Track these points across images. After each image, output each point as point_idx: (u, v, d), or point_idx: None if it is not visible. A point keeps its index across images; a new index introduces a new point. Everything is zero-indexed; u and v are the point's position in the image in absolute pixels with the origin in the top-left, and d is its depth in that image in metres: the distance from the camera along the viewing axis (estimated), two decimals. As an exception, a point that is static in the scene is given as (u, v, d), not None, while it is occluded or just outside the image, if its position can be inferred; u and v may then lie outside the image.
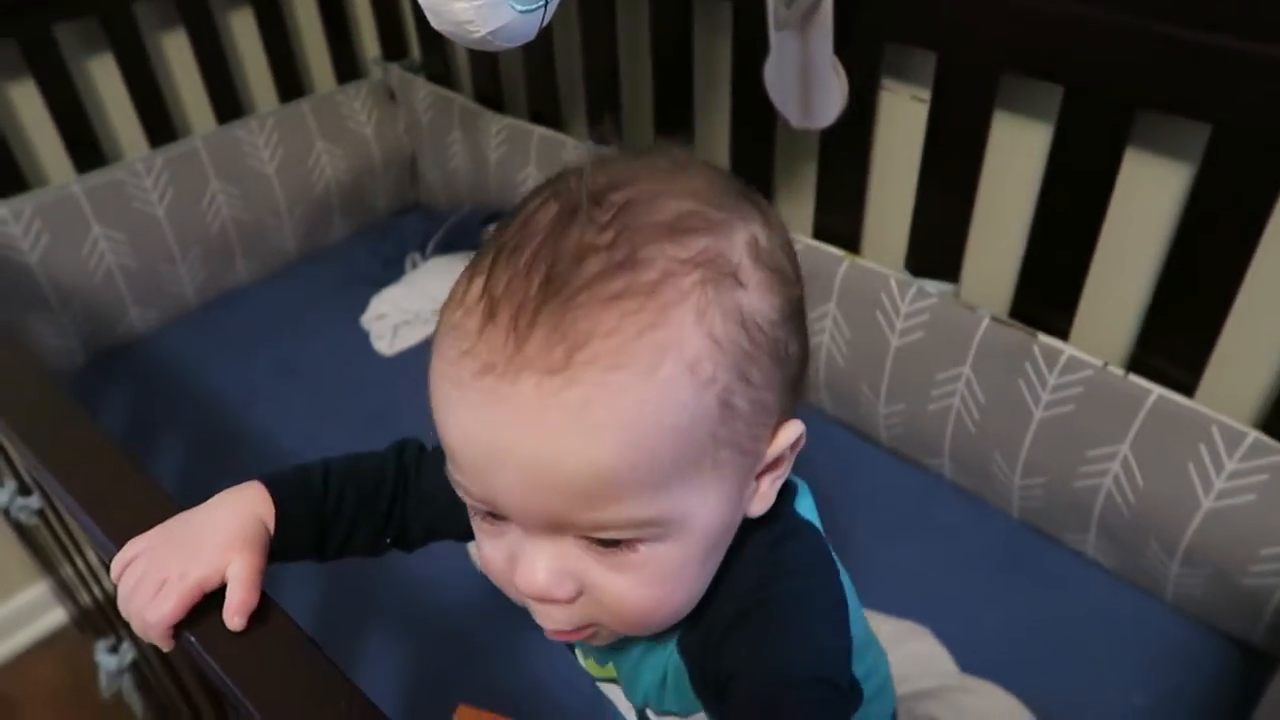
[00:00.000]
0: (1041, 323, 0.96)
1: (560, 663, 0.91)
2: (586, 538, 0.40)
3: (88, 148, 1.28)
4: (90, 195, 1.26)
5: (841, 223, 1.11)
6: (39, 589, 1.53)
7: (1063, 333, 0.96)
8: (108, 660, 1.05)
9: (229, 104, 1.40)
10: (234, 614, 0.45)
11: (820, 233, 1.12)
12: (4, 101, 1.22)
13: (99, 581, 0.88)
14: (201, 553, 0.47)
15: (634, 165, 0.43)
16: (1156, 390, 0.88)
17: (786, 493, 0.49)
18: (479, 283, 0.39)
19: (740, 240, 0.41)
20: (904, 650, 0.92)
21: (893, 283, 1.03)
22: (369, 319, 1.37)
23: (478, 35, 0.49)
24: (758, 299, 0.40)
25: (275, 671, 0.43)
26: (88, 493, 0.51)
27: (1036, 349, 0.94)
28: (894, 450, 1.13)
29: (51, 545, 1.07)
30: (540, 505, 0.39)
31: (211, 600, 0.46)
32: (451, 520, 0.52)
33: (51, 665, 1.53)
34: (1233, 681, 0.89)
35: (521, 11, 0.50)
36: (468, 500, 0.42)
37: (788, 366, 0.43)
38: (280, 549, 0.50)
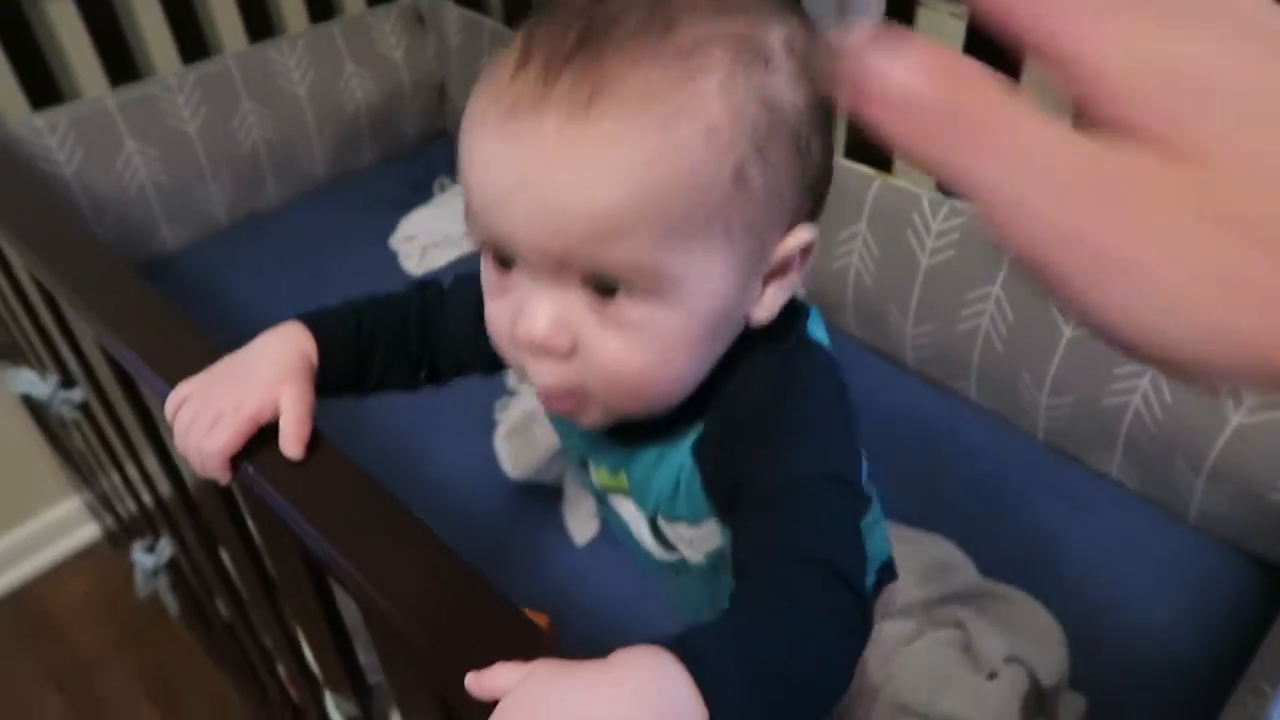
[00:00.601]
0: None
1: (602, 572, 0.92)
2: (588, 284, 0.41)
3: (122, 62, 1.29)
4: (124, 110, 1.26)
5: (873, 141, 1.10)
6: (72, 503, 1.56)
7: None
8: (144, 559, 1.08)
9: (260, 23, 1.40)
10: (291, 442, 0.47)
11: (851, 151, 1.12)
12: (40, 14, 1.23)
13: (137, 472, 0.90)
14: (253, 386, 0.48)
15: None
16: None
17: (798, 313, 0.50)
18: (519, 41, 0.41)
19: (778, 31, 0.42)
20: (926, 556, 0.93)
21: (924, 201, 1.03)
22: (397, 240, 1.38)
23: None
24: (785, 85, 0.41)
25: (335, 499, 0.44)
26: (147, 347, 0.53)
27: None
28: (920, 372, 1.14)
29: (88, 447, 1.10)
30: (549, 238, 0.40)
31: (265, 435, 0.47)
32: (477, 352, 0.53)
33: (85, 579, 1.57)
34: (1254, 599, 0.90)
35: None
36: (481, 244, 0.44)
37: (807, 162, 0.43)
38: (323, 382, 0.51)
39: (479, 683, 0.36)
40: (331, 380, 0.52)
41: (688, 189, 0.39)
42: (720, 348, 0.46)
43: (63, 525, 1.57)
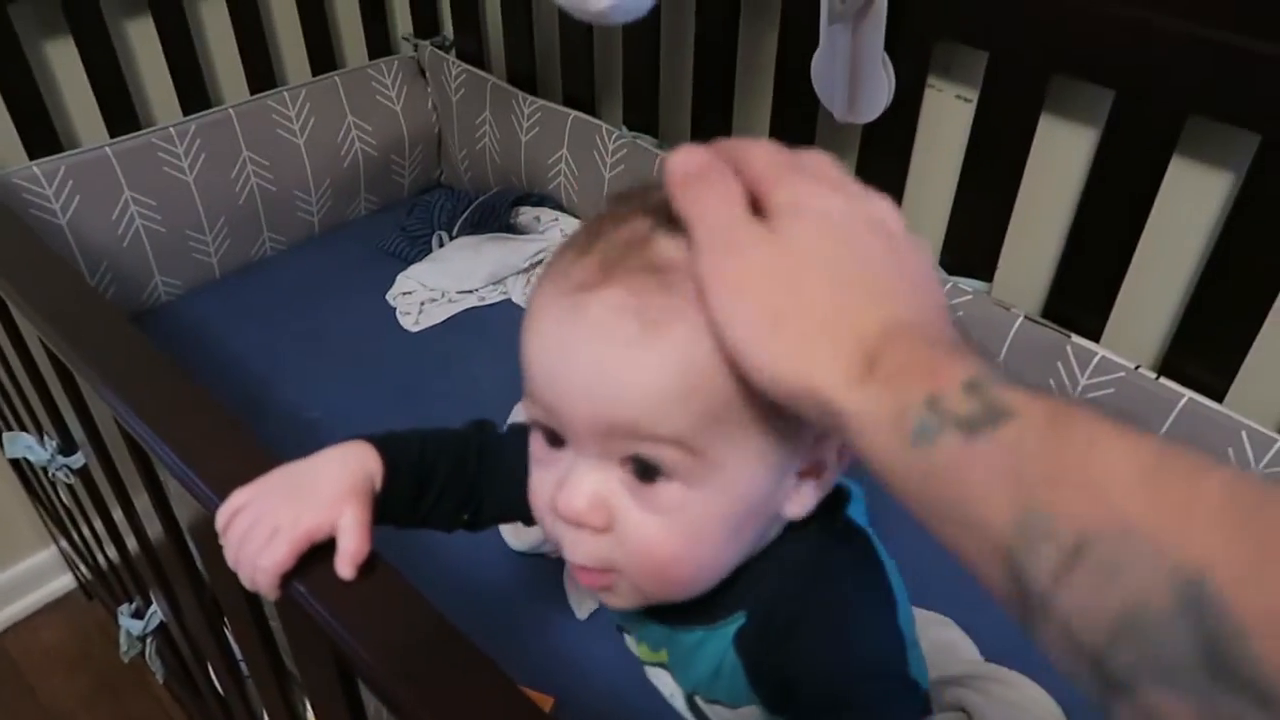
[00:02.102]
0: (1075, 324, 0.98)
1: (605, 646, 0.92)
2: (631, 463, 0.42)
3: (122, 111, 1.28)
4: (122, 158, 1.25)
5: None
6: (48, 553, 1.52)
7: (1095, 334, 0.98)
8: (132, 624, 1.05)
9: (262, 74, 1.40)
10: (347, 563, 0.46)
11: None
12: (41, 60, 1.22)
13: (130, 539, 0.88)
14: (315, 502, 0.47)
15: None
16: (1187, 394, 0.89)
17: (839, 499, 0.51)
18: (577, 244, 0.43)
19: None
20: (929, 638, 0.92)
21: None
22: (395, 295, 1.37)
23: (599, 7, 0.50)
24: None
25: (386, 621, 0.43)
26: (183, 440, 0.52)
27: (1069, 349, 0.96)
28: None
29: (79, 507, 1.07)
30: (600, 412, 0.41)
31: (315, 553, 0.46)
32: (520, 504, 0.53)
33: (56, 629, 1.53)
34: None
35: (638, -14, 0.51)
36: (534, 419, 0.45)
37: None
38: (381, 508, 0.51)
39: None
40: (388, 505, 0.52)
41: (727, 375, 0.40)
42: (751, 539, 0.47)
43: (34, 575, 1.53)
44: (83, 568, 1.39)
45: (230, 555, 0.48)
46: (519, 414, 1.11)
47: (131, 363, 0.57)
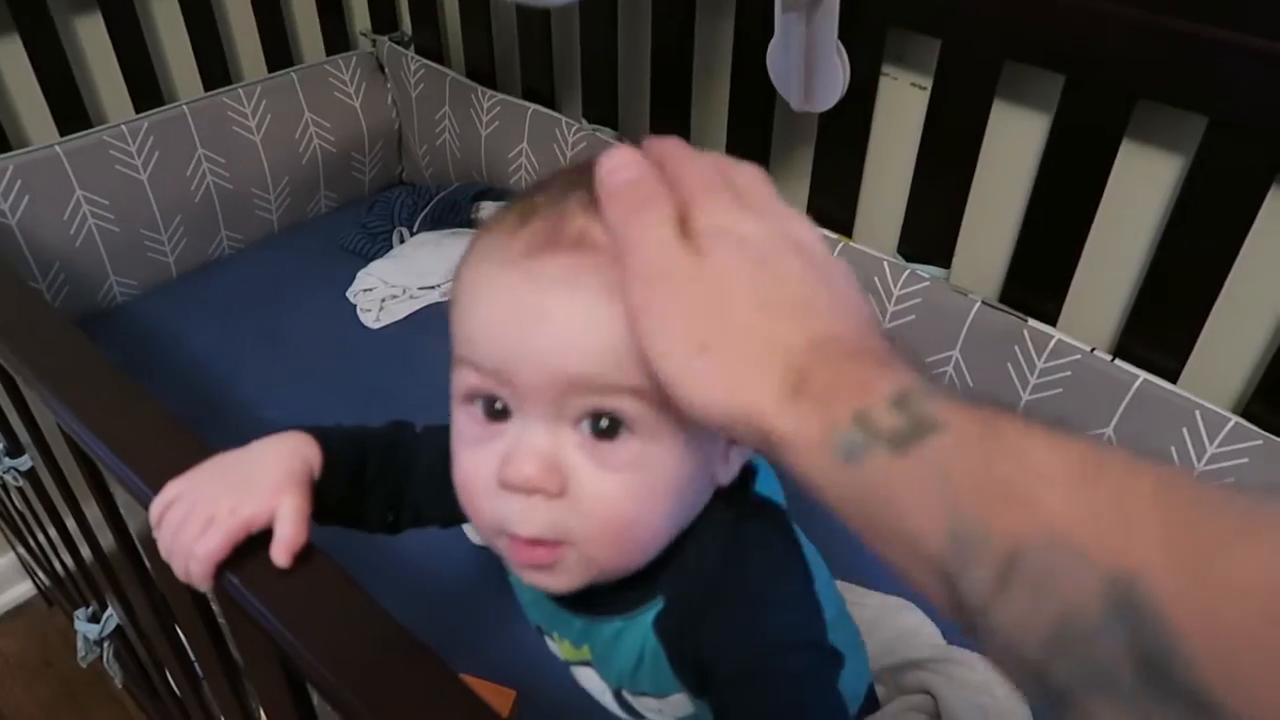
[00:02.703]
0: (1031, 308, 0.98)
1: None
2: (588, 420, 0.41)
3: (72, 110, 1.26)
4: (73, 157, 1.23)
5: (836, 207, 1.12)
6: (5, 560, 1.50)
7: (1051, 318, 0.98)
8: (88, 629, 1.04)
9: (217, 71, 1.38)
10: (283, 550, 0.45)
11: (815, 216, 1.11)
12: (-13, 59, 1.19)
13: (83, 546, 0.87)
14: (253, 490, 0.47)
15: None
16: (1142, 375, 0.90)
17: (746, 473, 0.51)
18: (515, 217, 0.44)
19: None
20: (893, 624, 0.94)
21: (885, 266, 1.05)
22: (355, 292, 1.36)
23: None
24: None
25: (322, 611, 0.42)
26: (121, 438, 0.51)
27: (1026, 333, 0.96)
28: (880, 433, 1.15)
29: (31, 512, 1.05)
30: (562, 365, 0.40)
31: (251, 543, 0.45)
32: (437, 504, 0.53)
33: (15, 638, 1.50)
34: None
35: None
36: (474, 391, 0.43)
37: None
38: (317, 499, 0.50)
39: None
40: (324, 496, 0.51)
41: None
42: (692, 505, 0.47)
43: (-7, 582, 1.50)
44: (41, 574, 1.37)
45: (164, 546, 0.47)
46: None
47: (68, 361, 0.56)
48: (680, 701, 0.53)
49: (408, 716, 0.38)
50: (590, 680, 0.58)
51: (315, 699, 0.50)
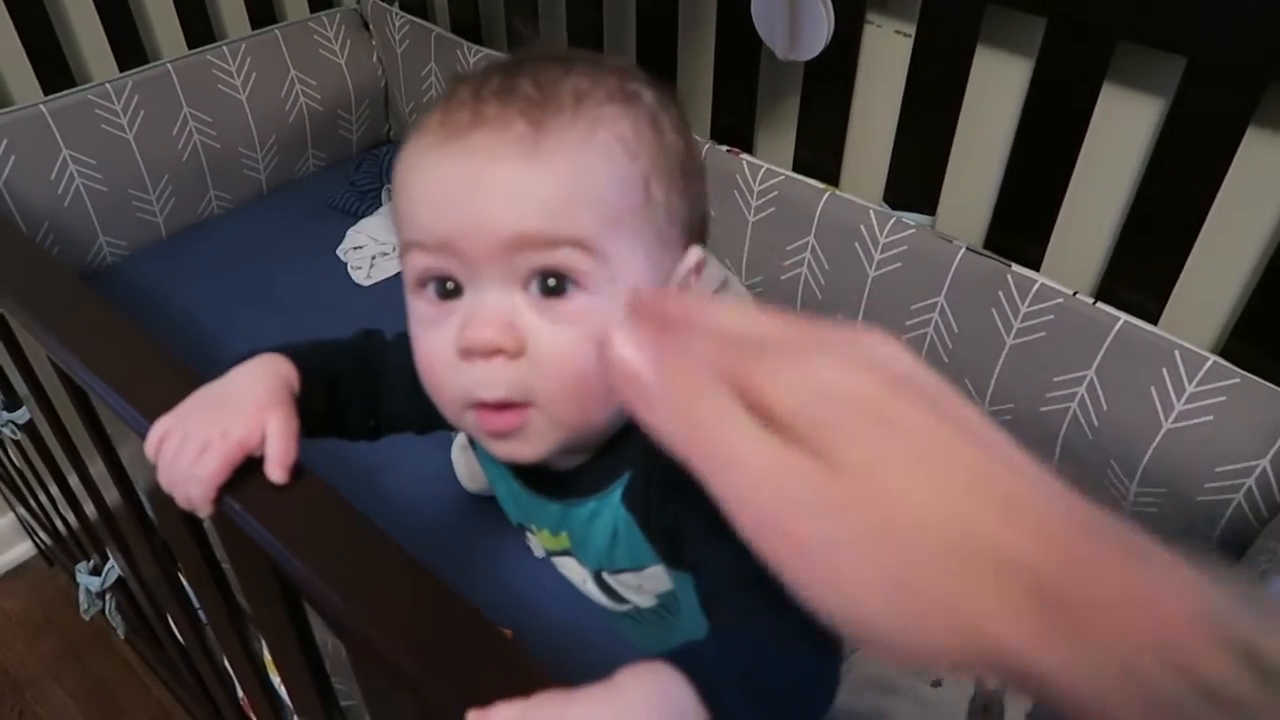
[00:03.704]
0: (1015, 254, 1.00)
1: (561, 581, 0.93)
2: (536, 279, 0.44)
3: (55, 69, 1.25)
4: (58, 116, 1.23)
5: (822, 156, 1.13)
6: (5, 520, 1.51)
7: (1035, 263, 1.00)
8: (89, 581, 1.05)
9: (200, 29, 1.38)
10: (277, 466, 0.47)
11: (801, 166, 1.14)
12: (-31, 17, 1.19)
13: (86, 503, 0.88)
14: (239, 412, 0.48)
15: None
16: (1123, 317, 0.92)
17: None
18: (450, 90, 0.46)
19: (648, 91, 0.49)
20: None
21: (871, 214, 1.06)
22: (345, 249, 1.36)
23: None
24: (668, 126, 0.48)
25: (317, 528, 0.44)
26: (117, 374, 0.52)
27: (1010, 278, 0.98)
28: (867, 381, 1.17)
29: (30, 468, 1.07)
30: (506, 225, 0.43)
31: (247, 467, 0.47)
32: (412, 407, 0.55)
33: (17, 598, 1.52)
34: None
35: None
36: (422, 271, 0.45)
37: (691, 192, 0.49)
38: (300, 413, 0.51)
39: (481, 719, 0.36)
40: (306, 410, 0.52)
41: (615, 183, 0.44)
42: None
43: (-7, 543, 1.52)
44: (41, 534, 1.39)
45: (164, 477, 0.48)
46: None
47: (61, 301, 0.57)
48: (657, 574, 0.55)
49: (405, 628, 0.40)
50: (571, 569, 0.60)
51: (326, 646, 0.51)
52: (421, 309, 0.46)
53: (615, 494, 0.52)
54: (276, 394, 0.50)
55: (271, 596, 0.50)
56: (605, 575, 0.57)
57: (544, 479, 0.54)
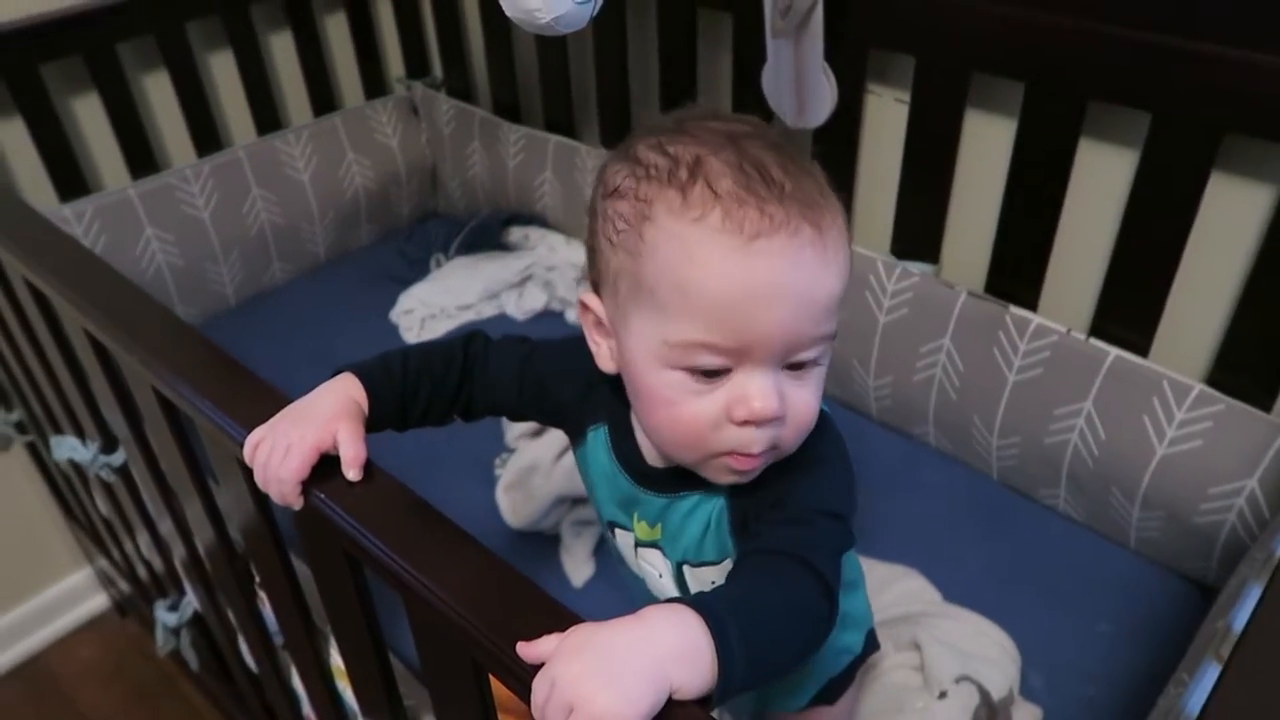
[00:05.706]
0: (1013, 296, 1.08)
1: (599, 613, 1.01)
2: (792, 366, 0.53)
3: (142, 156, 1.40)
4: (143, 199, 1.37)
5: (833, 214, 1.23)
6: (83, 574, 1.62)
7: (1031, 304, 1.08)
8: (167, 617, 1.14)
9: (268, 117, 1.52)
10: (350, 466, 0.57)
11: (814, 223, 1.23)
12: (69, 113, 1.34)
13: (173, 526, 0.97)
14: (313, 422, 0.58)
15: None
16: (1114, 351, 0.99)
17: None
18: (699, 177, 0.51)
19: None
20: (896, 588, 1.02)
21: (879, 264, 1.15)
22: (398, 314, 1.48)
23: (543, 20, 0.61)
24: None
25: (395, 517, 0.53)
26: (218, 396, 0.62)
27: (1009, 319, 1.06)
28: (884, 422, 1.24)
29: (115, 512, 1.17)
30: (797, 328, 0.51)
31: (329, 469, 0.56)
32: (510, 399, 0.68)
33: (92, 646, 1.62)
34: (1187, 613, 0.99)
35: (578, 3, 0.62)
36: (703, 357, 0.52)
37: None
38: (370, 424, 0.62)
39: (529, 649, 0.45)
40: (377, 420, 0.63)
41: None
42: None
43: (72, 596, 1.63)
44: (121, 582, 1.49)
45: (259, 477, 0.58)
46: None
47: (163, 334, 0.68)
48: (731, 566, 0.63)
49: (467, 588, 0.48)
50: (654, 562, 0.67)
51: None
52: (683, 381, 0.53)
53: (721, 494, 0.60)
54: (347, 409, 0.60)
55: (346, 590, 0.59)
56: (687, 568, 0.65)
57: (655, 477, 0.63)
